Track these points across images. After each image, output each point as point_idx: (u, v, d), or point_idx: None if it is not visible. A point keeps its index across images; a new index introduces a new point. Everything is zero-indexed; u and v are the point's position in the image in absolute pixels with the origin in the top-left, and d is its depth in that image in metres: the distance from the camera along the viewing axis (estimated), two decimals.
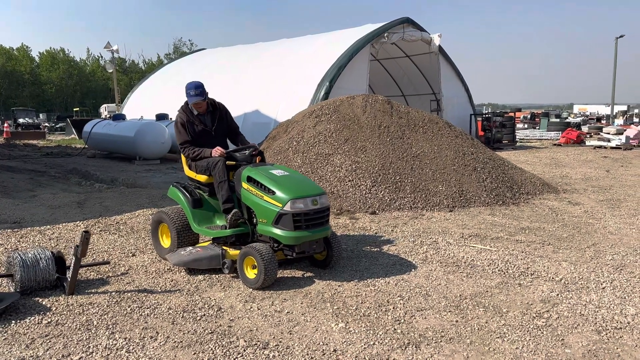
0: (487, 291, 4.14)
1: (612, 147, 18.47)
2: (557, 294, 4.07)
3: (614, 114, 40.74)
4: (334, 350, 3.12)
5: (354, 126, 8.77)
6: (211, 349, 3.13)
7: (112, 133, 15.19)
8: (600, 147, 18.80)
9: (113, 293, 4.05)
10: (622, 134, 20.09)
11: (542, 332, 3.40)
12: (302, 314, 3.68)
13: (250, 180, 4.41)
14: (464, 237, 5.83)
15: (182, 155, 4.96)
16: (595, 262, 4.91)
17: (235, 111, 18.78)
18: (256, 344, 3.20)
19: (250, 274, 4.21)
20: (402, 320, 3.57)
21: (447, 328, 3.45)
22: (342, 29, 20.40)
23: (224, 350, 3.11)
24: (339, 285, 4.28)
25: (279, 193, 4.23)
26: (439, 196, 7.56)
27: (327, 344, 3.20)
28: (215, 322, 3.52)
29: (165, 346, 3.16)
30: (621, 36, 38.47)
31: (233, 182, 4.61)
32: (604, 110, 52.52)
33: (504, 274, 4.58)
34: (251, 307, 3.80)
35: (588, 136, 22.77)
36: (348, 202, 7.34)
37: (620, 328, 3.47)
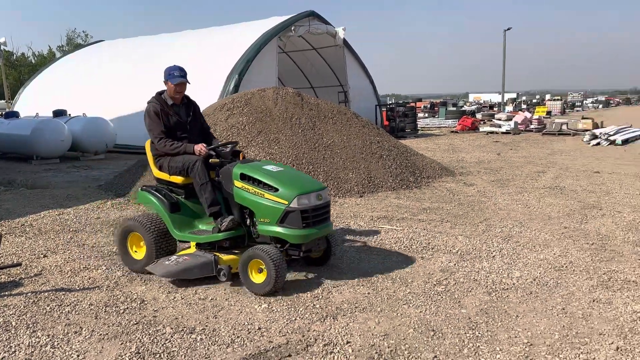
0: (394, 265, 4.56)
1: (502, 133, 20.21)
2: (454, 264, 4.58)
3: (505, 101, 44.23)
4: (259, 329, 3.34)
5: (267, 118, 8.95)
6: (138, 338, 3.22)
7: (4, 132, 14.11)
8: (492, 132, 20.49)
9: (29, 294, 3.95)
10: (511, 120, 21.99)
11: (442, 297, 3.84)
12: (226, 299, 3.85)
13: (244, 178, 4.13)
14: (374, 219, 6.27)
15: (149, 152, 4.56)
16: (487, 235, 5.53)
17: (138, 105, 18.17)
18: (183, 330, 3.33)
19: (257, 278, 3.93)
20: (320, 297, 3.87)
21: (361, 300, 3.79)
22: (244, 22, 20.40)
23: (152, 338, 3.21)
24: None
25: (283, 190, 4.00)
26: (350, 183, 7.98)
27: (252, 324, 3.41)
28: (140, 314, 3.59)
29: (92, 339, 3.20)
30: (509, 29, 41.67)
31: (217, 180, 4.32)
32: (496, 98, 56.73)
33: (409, 249, 5.05)
34: (174, 297, 3.90)
35: (482, 123, 24.63)
36: None
37: (507, 289, 4.01)
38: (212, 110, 9.76)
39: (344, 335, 3.22)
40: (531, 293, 3.90)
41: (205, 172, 4.26)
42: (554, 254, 4.84)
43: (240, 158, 4.55)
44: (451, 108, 34.96)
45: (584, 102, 58.90)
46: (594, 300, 3.73)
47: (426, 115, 35.61)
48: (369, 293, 3.92)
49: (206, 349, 3.08)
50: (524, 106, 43.54)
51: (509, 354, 2.97)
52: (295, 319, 3.48)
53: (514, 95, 60.84)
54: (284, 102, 9.43)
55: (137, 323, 3.44)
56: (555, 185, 8.55)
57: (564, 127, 19.53)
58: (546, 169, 10.40)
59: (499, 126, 21.22)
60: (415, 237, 5.46)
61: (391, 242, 5.30)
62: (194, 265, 4.06)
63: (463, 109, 36.03)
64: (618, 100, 72.98)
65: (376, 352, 3.00)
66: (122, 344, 3.14)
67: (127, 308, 3.69)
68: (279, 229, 4.01)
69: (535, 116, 24.21)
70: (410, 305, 3.70)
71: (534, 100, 58.10)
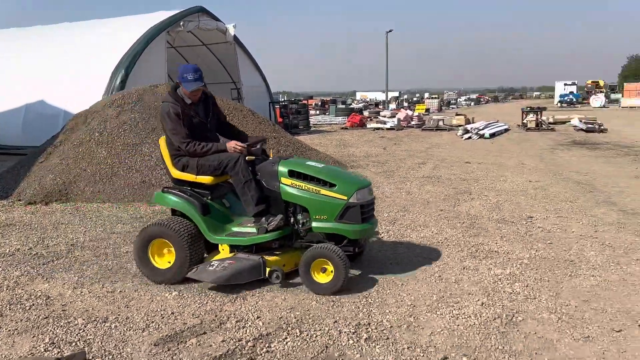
0: None
1: (387, 129, 21.57)
2: None
3: (389, 100, 46.84)
4: (172, 313, 3.52)
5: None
6: (50, 330, 3.25)
7: None
8: (378, 128, 21.79)
9: None
10: (394, 117, 23.52)
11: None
12: (136, 291, 3.96)
13: (293, 175, 4.01)
14: None
15: (165, 152, 4.25)
16: (380, 220, 6.12)
17: (13, 102, 16.72)
18: (95, 320, 3.41)
19: (321, 278, 3.84)
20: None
21: (266, 282, 4.11)
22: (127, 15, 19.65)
23: (65, 330, 3.26)
24: None
25: (341, 185, 3.95)
26: None
27: (164, 310, 3.58)
28: (48, 309, 3.60)
29: (0, 335, 3.18)
30: (390, 30, 44.21)
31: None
32: (381, 96, 59.77)
33: None
34: (82, 292, 3.93)
35: (369, 120, 26.01)
36: None
37: (395, 263, 4.56)
38: (101, 106, 9.45)
39: (254, 312, 3.52)
40: (414, 265, 4.49)
41: (248, 168, 4.09)
42: (432, 232, 5.53)
43: (271, 155, 4.47)
44: (341, 106, 36.32)
45: (458, 100, 64.15)
46: (464, 268, 4.40)
47: (317, 112, 36.66)
48: None
49: (122, 334, 3.22)
50: (405, 104, 46.49)
51: (397, 315, 3.47)
52: (207, 303, 3.71)
53: (397, 94, 64.52)
54: None
55: (46, 317, 3.45)
56: (433, 174, 9.51)
57: (441, 123, 21.34)
58: (425, 161, 11.46)
59: (384, 123, 22.60)
60: None
61: None
62: (243, 268, 3.87)
63: (352, 106, 37.61)
64: (488, 98, 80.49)
65: (284, 323, 3.35)
66: (34, 336, 3.17)
67: (33, 304, 3.67)
68: (338, 225, 3.94)
69: (416, 113, 26.11)
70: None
71: (415, 99, 62.18)
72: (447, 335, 3.17)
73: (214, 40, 20.01)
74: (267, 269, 3.89)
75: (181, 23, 17.18)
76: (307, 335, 3.18)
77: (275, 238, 4.03)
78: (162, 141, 4.37)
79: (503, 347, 3.02)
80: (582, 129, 18.66)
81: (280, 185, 4.04)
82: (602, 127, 18.38)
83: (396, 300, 3.71)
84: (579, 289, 3.90)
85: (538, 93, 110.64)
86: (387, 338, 3.15)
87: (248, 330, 3.25)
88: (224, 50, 20.24)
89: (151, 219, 6.22)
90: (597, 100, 43.41)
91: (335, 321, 3.37)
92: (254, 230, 4.06)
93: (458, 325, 3.31)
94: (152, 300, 3.77)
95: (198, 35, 19.71)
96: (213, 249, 4.26)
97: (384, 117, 25.46)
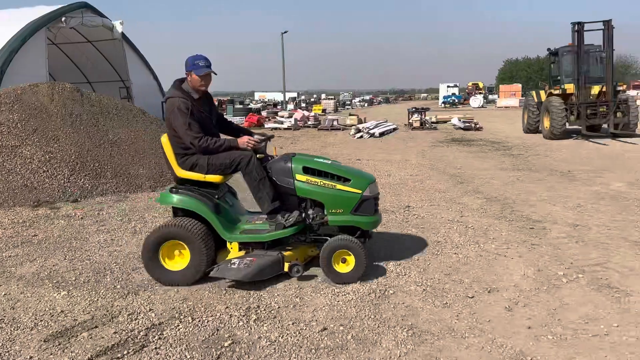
0: None
1: (285, 128, 22.01)
2: None
3: (287, 100, 47.50)
4: (62, 311, 3.53)
5: (42, 115, 8.46)
6: None
7: None
8: (276, 128, 22.13)
9: None
10: (292, 117, 24.03)
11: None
12: (21, 293, 3.89)
13: (307, 171, 4.13)
14: (168, 210, 6.61)
15: (169, 150, 4.12)
16: None
17: None
18: None
19: (342, 268, 4.01)
20: (121, 279, 4.18)
21: None
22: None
23: None
24: (53, 265, 4.55)
25: (355, 180, 4.16)
26: (141, 179, 8.13)
27: (54, 309, 3.58)
28: None
29: None
30: (285, 32, 44.84)
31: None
32: (279, 97, 60.32)
33: None
34: None
35: (267, 120, 26.28)
36: (46, 193, 7.21)
37: None
38: None
39: (146, 305, 3.64)
40: None
41: (261, 166, 4.09)
42: None
43: (275, 152, 4.49)
44: (238, 106, 36.24)
45: (353, 100, 66.60)
46: None
47: None
48: None
49: (9, 334, 3.20)
50: (303, 104, 47.42)
51: (284, 297, 3.78)
52: (98, 300, 3.75)
53: (295, 95, 65.49)
54: (62, 98, 9.01)
55: None
56: None
57: (335, 123, 22.19)
58: None
59: (282, 123, 23.02)
60: None
61: None
62: (265, 264, 3.89)
63: (250, 106, 37.64)
64: (380, 99, 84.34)
65: (177, 312, 3.51)
66: None
67: None
68: (354, 218, 4.14)
69: (312, 113, 26.86)
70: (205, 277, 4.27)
71: (312, 99, 63.54)
72: (327, 310, 3.54)
73: (100, 37, 19.10)
74: (286, 264, 3.98)
75: (63, 19, 16.23)
76: (199, 321, 3.38)
77: (293, 233, 4.12)
78: (165, 139, 4.22)
79: (375, 316, 3.44)
80: (460, 128, 20.41)
81: (295, 181, 4.14)
82: (477, 126, 20.23)
83: (285, 285, 4.02)
84: (443, 265, 4.47)
85: (425, 95, 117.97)
86: (275, 317, 3.44)
87: (140, 322, 3.37)
88: (112, 48, 19.40)
89: (35, 223, 5.99)
90: (476, 100, 47.41)
91: (227, 307, 3.60)
92: (267, 227, 4.15)
93: (338, 301, 3.69)
94: (40, 301, 3.73)
95: (82, 32, 18.70)
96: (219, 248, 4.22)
97: (282, 117, 25.92)
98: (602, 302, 3.64)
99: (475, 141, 15.66)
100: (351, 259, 4.02)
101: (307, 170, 4.15)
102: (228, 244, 4.17)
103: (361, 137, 17.87)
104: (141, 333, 3.20)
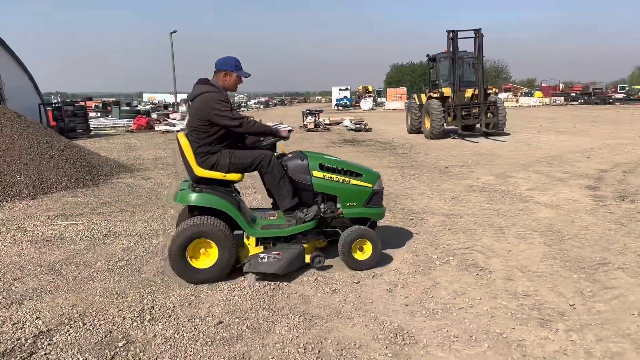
0: (77, 253, 4.89)
1: (177, 131, 21.43)
2: (134, 243, 5.22)
3: (178, 101, 46.05)
4: None
5: None
6: None
7: None
8: (168, 131, 21.50)
9: None
10: (185, 119, 23.46)
11: (124, 269, 4.46)
12: None
13: (323, 168, 4.43)
14: (50, 218, 6.29)
15: (188, 149, 4.15)
16: (164, 217, 6.34)
17: None
18: None
19: (360, 256, 4.36)
20: (2, 290, 3.96)
21: (46, 285, 4.06)
22: None
23: None
24: None
25: (366, 175, 4.55)
26: (18, 186, 7.58)
27: None
28: None
29: None
30: (174, 31, 43.45)
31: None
32: (170, 98, 58.28)
33: (91, 239, 5.41)
34: None
35: (157, 122, 25.38)
36: None
37: None
38: None
39: (32, 314, 3.51)
40: None
41: (281, 165, 4.29)
42: None
43: (283, 150, 4.72)
44: (125, 108, 34.52)
45: (249, 102, 66.32)
46: None
47: (98, 115, 34.21)
48: (53, 278, 4.21)
49: None
50: None
51: (180, 296, 3.84)
52: None
53: (186, 96, 63.64)
54: None
55: None
56: None
57: None
58: None
59: (174, 125, 22.40)
60: (96, 227, 5.83)
61: (72, 235, 5.54)
62: (293, 257, 4.11)
63: (138, 108, 36.02)
64: (276, 101, 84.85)
65: (66, 319, 3.43)
66: None
67: None
68: (366, 210, 4.54)
69: None
70: (95, 280, 4.19)
71: None
72: (223, 305, 3.66)
73: None
74: (307, 255, 4.25)
75: None
76: (91, 325, 3.34)
77: (313, 227, 4.36)
78: (184, 139, 4.22)
79: (269, 306, 3.64)
80: (352, 129, 21.31)
81: (312, 178, 4.41)
82: (367, 127, 21.26)
83: (180, 284, 4.07)
84: (333, 256, 4.76)
85: (319, 97, 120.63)
86: (170, 316, 3.50)
87: (27, 330, 3.26)
88: None
89: None
90: (366, 103, 49.48)
91: (120, 310, 3.58)
92: (283, 221, 4.37)
93: (234, 295, 3.83)
94: None
95: None
96: None
97: (174, 119, 25.19)
98: (468, 280, 4.14)
99: (365, 141, 16.47)
100: (368, 247, 4.39)
101: (322, 167, 4.46)
102: (245, 240, 4.30)
103: None
104: (29, 341, 3.10)
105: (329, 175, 4.45)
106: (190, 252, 4.06)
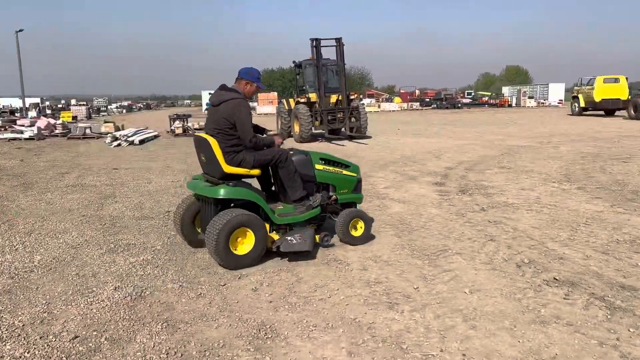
0: None
1: (26, 139, 19.48)
2: None
3: (27, 106, 41.73)
4: None
5: None
6: None
7: None
8: (15, 139, 19.43)
9: None
10: (34, 125, 21.35)
11: None
12: None
13: (322, 161, 5.21)
14: None
15: (218, 150, 4.67)
16: (10, 232, 5.80)
17: None
18: None
19: (355, 233, 5.15)
20: None
21: None
22: None
23: None
24: None
25: (352, 166, 5.41)
26: None
27: None
28: None
29: None
30: (20, 30, 39.45)
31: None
32: (18, 102, 52.68)
33: None
34: None
35: (2, 129, 22.80)
36: None
37: (30, 270, 4.53)
38: None
39: None
40: (51, 269, 4.58)
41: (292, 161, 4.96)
42: (72, 236, 5.66)
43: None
44: None
45: (109, 107, 62.21)
46: (103, 263, 4.75)
47: None
48: None
49: None
50: (48, 111, 42.39)
51: (30, 314, 3.59)
52: None
53: (38, 100, 57.87)
54: None
55: None
56: (78, 183, 9.38)
57: (88, 131, 20.58)
58: (70, 170, 11.09)
59: (22, 132, 20.30)
60: None
61: None
62: (311, 237, 4.72)
63: None
64: (140, 105, 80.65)
65: None
66: None
67: None
68: (354, 195, 5.42)
69: (60, 121, 24.32)
70: None
71: (60, 105, 57.21)
72: (80, 320, 3.50)
73: None
74: (317, 236, 4.95)
75: None
76: None
77: (318, 212, 5.04)
78: (211, 138, 4.71)
79: (130, 317, 3.56)
80: None
81: (315, 170, 5.14)
82: None
83: (30, 302, 3.80)
84: (200, 261, 4.79)
85: (189, 101, 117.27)
86: (19, 335, 3.27)
87: None
88: None
89: None
90: None
91: None
92: (292, 210, 4.96)
93: (92, 309, 3.68)
94: None
95: None
96: None
97: (22, 125, 22.81)
98: (328, 273, 4.43)
99: None
100: (361, 225, 5.18)
101: (322, 161, 5.23)
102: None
103: (119, 145, 17.05)
104: None
105: (327, 167, 5.24)
106: (233, 240, 4.49)
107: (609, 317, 3.48)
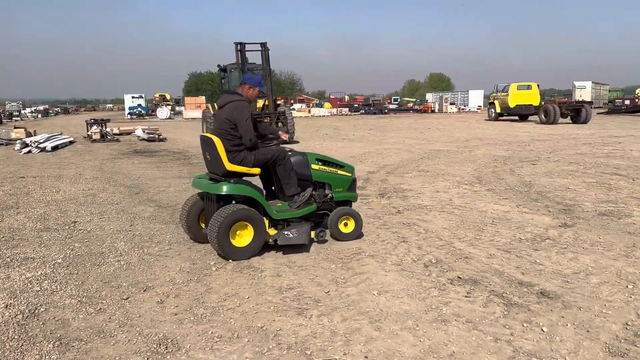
0: None
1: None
2: None
3: None
4: None
5: None
6: None
7: None
8: None
9: None
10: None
11: None
12: None
13: (318, 161, 5.43)
14: None
15: (222, 149, 4.93)
16: None
17: None
18: None
19: (345, 229, 5.39)
20: None
21: None
22: None
23: None
24: None
25: (346, 166, 5.62)
26: None
27: None
28: None
29: None
30: None
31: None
32: None
33: None
34: None
35: None
36: None
37: None
38: None
39: None
40: None
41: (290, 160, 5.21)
42: None
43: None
44: None
45: (23, 111, 58.27)
46: None
47: None
48: None
49: None
50: None
51: None
52: None
53: None
54: None
55: None
56: None
57: None
58: None
59: None
60: None
61: None
62: (307, 231, 5.02)
63: None
64: (58, 109, 76.16)
65: None
66: None
67: None
68: (348, 194, 5.62)
69: None
70: None
71: None
72: None
73: None
74: (312, 232, 5.22)
75: None
76: None
77: (315, 209, 5.32)
78: (216, 138, 4.96)
79: (19, 336, 3.30)
80: (144, 139, 20.37)
81: (312, 170, 5.37)
82: (161, 137, 20.56)
83: None
84: (103, 274, 4.54)
85: (111, 105, 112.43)
86: None
87: None
88: None
89: None
90: (163, 112, 47.82)
91: None
92: (287, 206, 5.21)
93: None
94: None
95: None
96: None
97: None
98: (241, 281, 4.34)
99: (158, 152, 15.94)
100: (351, 223, 5.42)
101: (318, 161, 5.45)
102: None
103: (29, 152, 15.99)
104: None
105: (323, 167, 5.46)
106: (234, 233, 4.77)
107: (505, 313, 3.65)
